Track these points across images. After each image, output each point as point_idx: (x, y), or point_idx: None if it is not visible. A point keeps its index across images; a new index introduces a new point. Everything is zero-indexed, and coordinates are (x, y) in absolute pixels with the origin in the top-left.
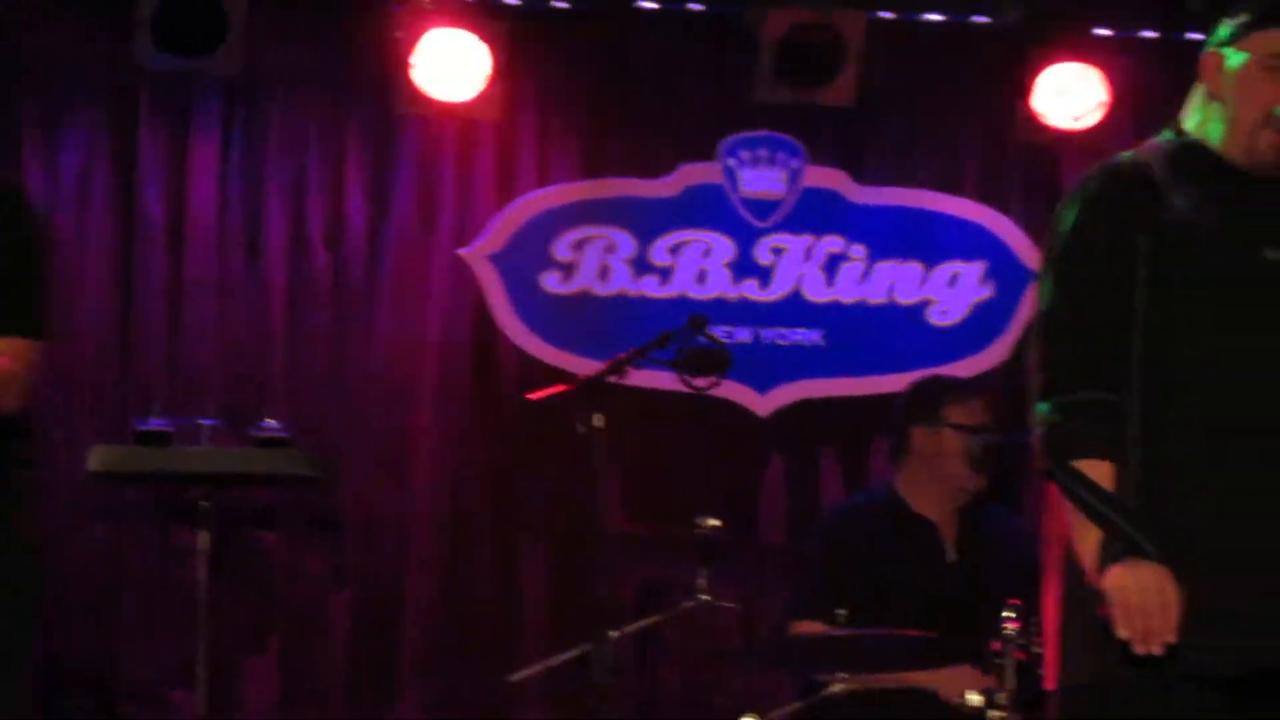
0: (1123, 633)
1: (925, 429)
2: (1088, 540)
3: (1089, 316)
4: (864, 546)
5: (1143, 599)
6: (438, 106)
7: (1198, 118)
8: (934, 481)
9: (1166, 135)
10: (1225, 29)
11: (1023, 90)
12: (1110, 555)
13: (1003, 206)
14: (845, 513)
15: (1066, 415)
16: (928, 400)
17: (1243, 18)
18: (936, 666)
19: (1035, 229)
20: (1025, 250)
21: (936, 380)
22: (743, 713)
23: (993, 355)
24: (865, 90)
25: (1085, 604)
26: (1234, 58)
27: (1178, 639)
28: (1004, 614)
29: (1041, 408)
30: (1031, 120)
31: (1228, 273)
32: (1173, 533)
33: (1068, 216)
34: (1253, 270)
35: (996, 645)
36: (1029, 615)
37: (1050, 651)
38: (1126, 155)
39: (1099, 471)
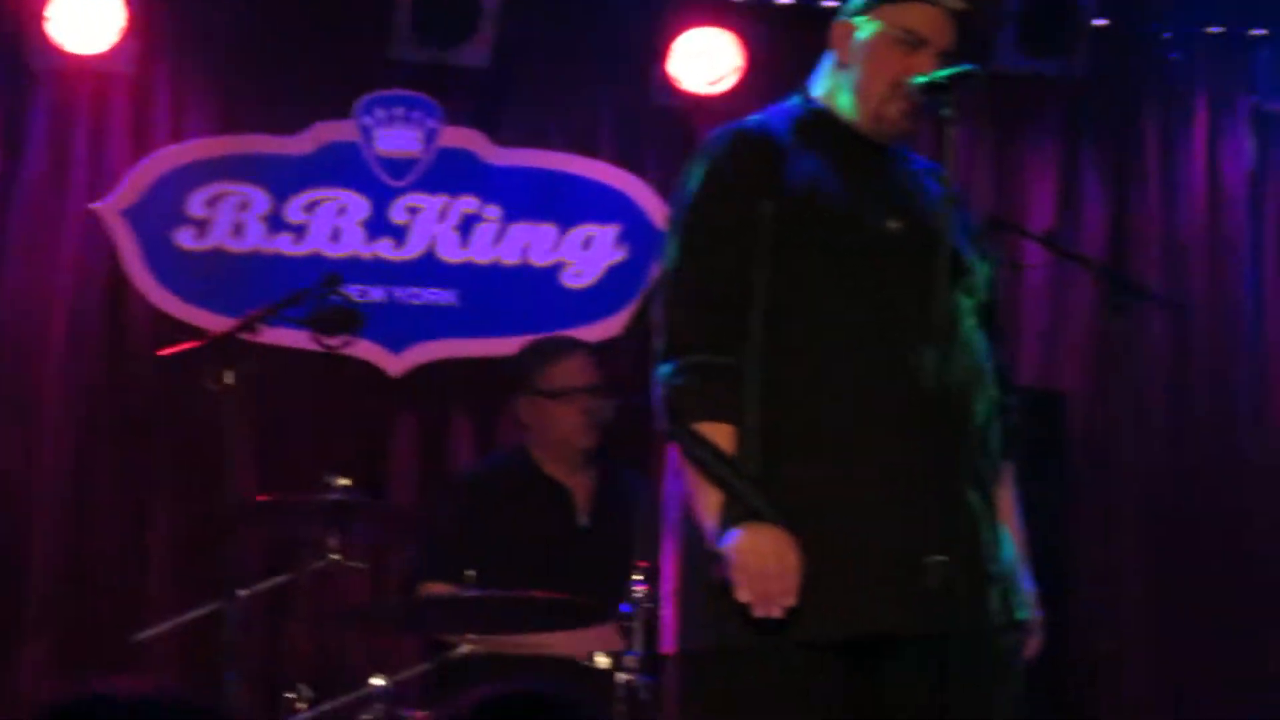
0: (742, 596)
1: (525, 399)
2: (708, 503)
3: (711, 280)
4: (495, 509)
5: (762, 563)
6: (71, 59)
7: (826, 84)
8: (552, 446)
9: (794, 100)
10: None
11: (659, 54)
12: (730, 519)
13: (638, 170)
14: (477, 475)
15: (688, 377)
16: (521, 371)
17: None
18: (567, 628)
19: (670, 193)
20: (660, 213)
21: (529, 349)
22: (371, 674)
23: (626, 318)
24: (502, 51)
25: (704, 567)
26: (865, 28)
27: (796, 603)
28: (634, 577)
29: (664, 370)
30: (668, 84)
31: (849, 241)
32: (791, 498)
33: (693, 179)
34: (874, 239)
35: (626, 607)
36: (658, 579)
37: (669, 614)
38: (753, 119)
39: (720, 434)
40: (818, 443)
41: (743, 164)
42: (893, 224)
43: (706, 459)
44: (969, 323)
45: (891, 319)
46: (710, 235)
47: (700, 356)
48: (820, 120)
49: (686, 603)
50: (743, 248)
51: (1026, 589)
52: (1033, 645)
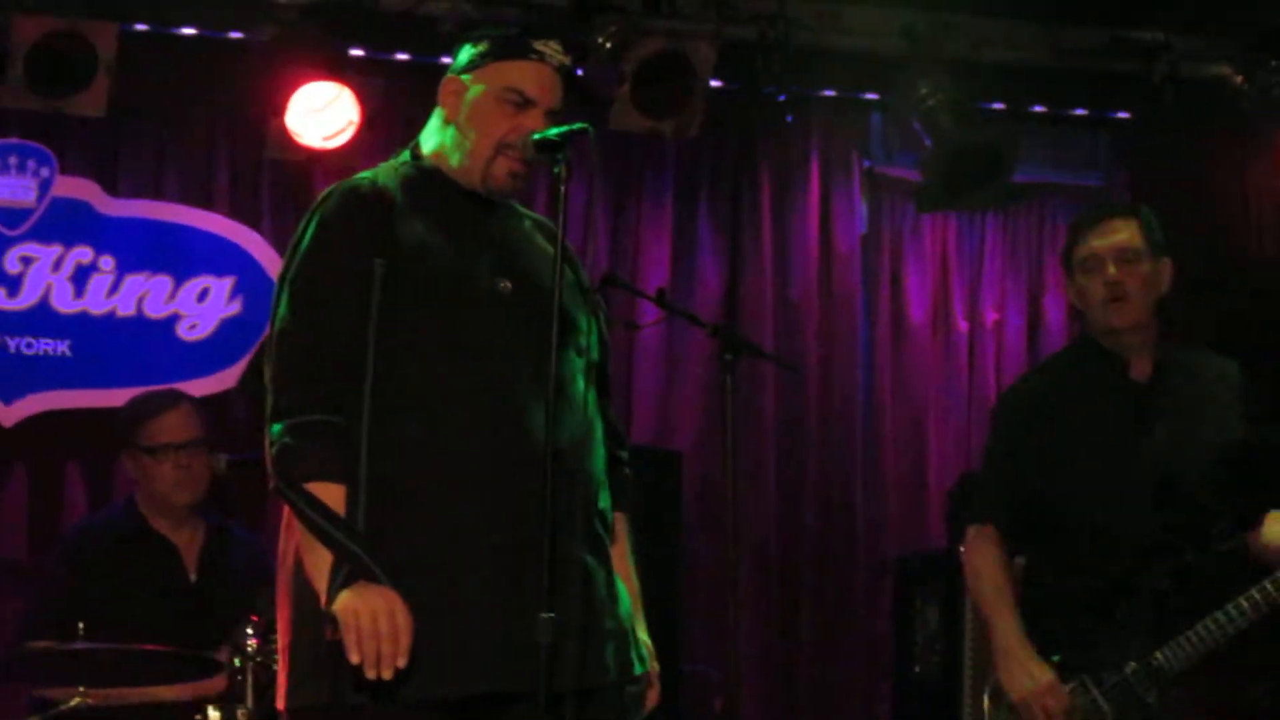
0: (354, 657)
1: (128, 454)
2: (319, 563)
3: (320, 338)
4: (104, 563)
5: (373, 623)
6: None
7: (435, 141)
8: (155, 501)
9: (404, 157)
10: (465, 56)
11: (276, 108)
12: (341, 579)
13: (254, 223)
14: (87, 529)
15: (298, 437)
16: (123, 426)
17: (483, 47)
18: (177, 681)
19: (286, 247)
20: (275, 267)
21: (131, 404)
22: None
23: (241, 370)
24: (118, 101)
25: (316, 627)
26: (473, 87)
27: (407, 664)
28: (244, 630)
29: (274, 428)
30: (284, 137)
31: (459, 300)
32: (401, 557)
33: (303, 236)
34: (484, 298)
35: (237, 661)
36: (270, 632)
37: (282, 671)
38: (365, 176)
39: (330, 494)
40: (426, 502)
41: (353, 222)
42: (503, 283)
43: (316, 519)
44: (579, 381)
45: (501, 378)
46: (319, 293)
47: (309, 416)
48: (429, 178)
49: (298, 660)
50: (352, 306)
51: (643, 642)
52: (652, 697)
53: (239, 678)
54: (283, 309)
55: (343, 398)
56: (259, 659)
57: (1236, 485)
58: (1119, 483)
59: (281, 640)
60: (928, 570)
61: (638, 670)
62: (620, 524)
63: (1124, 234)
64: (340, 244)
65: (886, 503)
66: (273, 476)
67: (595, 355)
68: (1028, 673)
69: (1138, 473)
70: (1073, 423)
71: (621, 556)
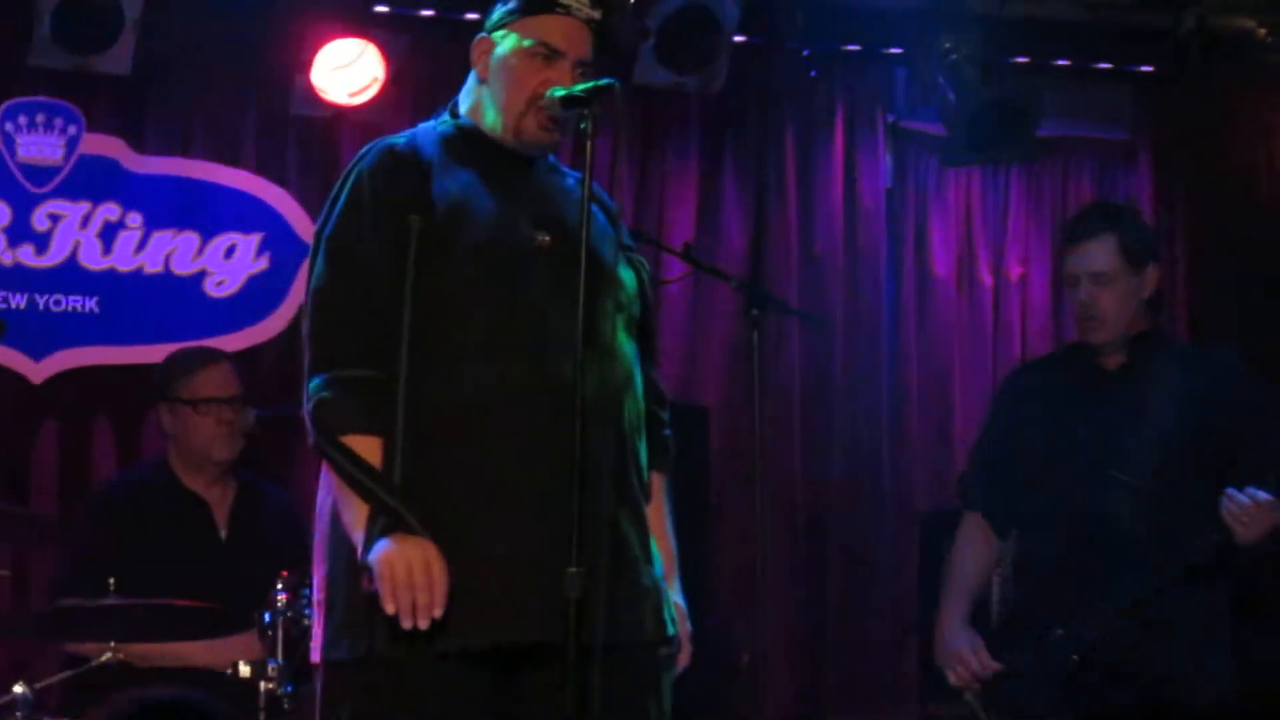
0: (389, 607)
1: (167, 407)
2: (356, 515)
3: (358, 293)
4: (135, 521)
5: (409, 574)
6: None
7: (471, 100)
8: (191, 456)
9: (443, 117)
10: (497, 14)
11: (302, 64)
12: (377, 530)
13: (280, 180)
14: (116, 486)
15: (335, 391)
16: (164, 379)
17: (513, 3)
18: (209, 637)
19: (312, 203)
20: (301, 224)
21: (172, 357)
22: (13, 681)
23: (268, 328)
24: (145, 59)
25: (353, 578)
26: (503, 43)
27: (442, 614)
28: (276, 586)
29: (312, 383)
30: (310, 94)
31: (497, 255)
32: (435, 509)
33: (340, 194)
34: (522, 252)
35: (268, 617)
36: (300, 588)
37: (317, 624)
38: (402, 135)
39: (367, 447)
40: (461, 455)
41: (389, 179)
42: (541, 237)
43: (353, 471)
44: (618, 335)
45: (538, 331)
46: (356, 250)
47: (347, 370)
48: (467, 136)
49: (334, 613)
50: (389, 262)
51: (676, 603)
52: (683, 659)
53: (270, 633)
54: (319, 265)
55: (379, 352)
56: (289, 614)
57: (1182, 467)
58: (1070, 463)
59: (318, 595)
60: (953, 524)
61: (670, 631)
62: (657, 483)
63: (1096, 256)
64: (375, 200)
65: (912, 457)
66: (310, 431)
67: (636, 311)
68: (944, 640)
69: (1085, 453)
70: (1042, 409)
71: (658, 516)
